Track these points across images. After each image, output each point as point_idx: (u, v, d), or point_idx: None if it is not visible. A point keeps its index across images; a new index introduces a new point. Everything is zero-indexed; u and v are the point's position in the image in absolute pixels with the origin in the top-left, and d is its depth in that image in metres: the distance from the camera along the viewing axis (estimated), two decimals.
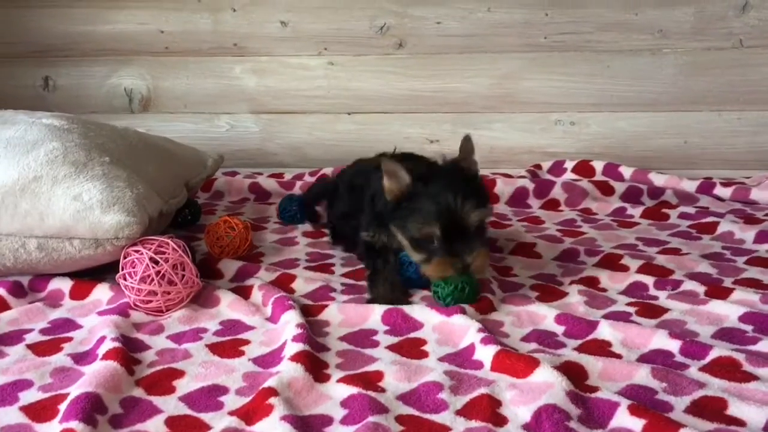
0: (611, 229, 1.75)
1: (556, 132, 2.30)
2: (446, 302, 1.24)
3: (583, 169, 2.14)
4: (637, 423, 0.88)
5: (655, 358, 1.07)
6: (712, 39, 2.20)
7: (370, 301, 1.27)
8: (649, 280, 1.36)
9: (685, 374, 1.01)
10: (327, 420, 0.92)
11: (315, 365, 1.04)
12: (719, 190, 1.97)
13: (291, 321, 1.16)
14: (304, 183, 2.08)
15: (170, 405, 0.96)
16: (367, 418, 0.90)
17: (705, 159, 2.27)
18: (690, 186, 1.99)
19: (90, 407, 0.90)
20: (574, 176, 2.12)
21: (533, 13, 2.23)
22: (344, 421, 0.91)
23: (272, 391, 0.95)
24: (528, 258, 1.54)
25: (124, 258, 1.28)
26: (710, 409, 0.92)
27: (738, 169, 2.22)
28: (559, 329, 1.18)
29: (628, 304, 1.27)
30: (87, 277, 1.37)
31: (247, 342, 1.15)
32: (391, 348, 1.12)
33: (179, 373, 1.04)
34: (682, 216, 1.81)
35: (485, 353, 1.06)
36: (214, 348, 1.12)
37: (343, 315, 1.22)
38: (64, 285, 1.34)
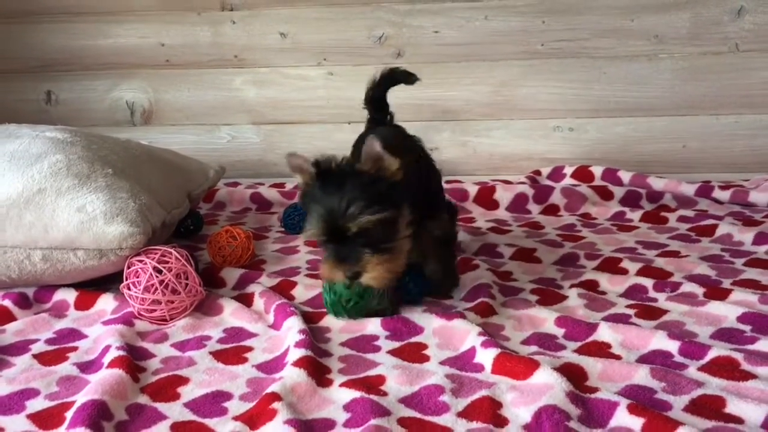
0: (611, 233, 1.76)
1: (555, 138, 2.32)
2: (331, 310, 1.24)
3: (582, 174, 2.15)
4: (637, 422, 0.89)
5: (654, 359, 1.08)
6: (708, 44, 2.22)
7: None
8: (648, 282, 1.37)
9: (684, 374, 1.02)
10: (330, 423, 0.93)
11: (317, 370, 1.05)
12: (718, 193, 1.98)
13: (293, 327, 1.17)
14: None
15: (175, 411, 0.97)
16: (369, 421, 0.91)
17: (703, 163, 2.28)
18: (689, 189, 2.00)
19: (96, 414, 0.92)
20: (573, 181, 2.13)
21: (530, 20, 2.25)
22: (347, 424, 0.92)
23: (276, 396, 0.96)
24: (528, 263, 1.55)
25: (128, 268, 1.29)
26: (709, 407, 0.93)
27: (736, 172, 2.23)
28: (560, 332, 1.19)
29: (628, 306, 1.28)
30: (91, 287, 1.38)
31: (250, 349, 1.16)
32: (393, 352, 1.13)
33: (184, 380, 1.05)
34: (681, 219, 1.82)
35: (486, 356, 1.07)
36: (217, 355, 1.14)
37: (344, 321, 1.24)
38: (69, 296, 1.35)
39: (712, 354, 1.06)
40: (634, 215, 1.88)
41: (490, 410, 0.94)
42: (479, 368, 1.06)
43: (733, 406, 0.92)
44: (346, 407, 0.96)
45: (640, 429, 0.88)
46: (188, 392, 1.02)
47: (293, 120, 2.39)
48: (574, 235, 1.75)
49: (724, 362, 1.04)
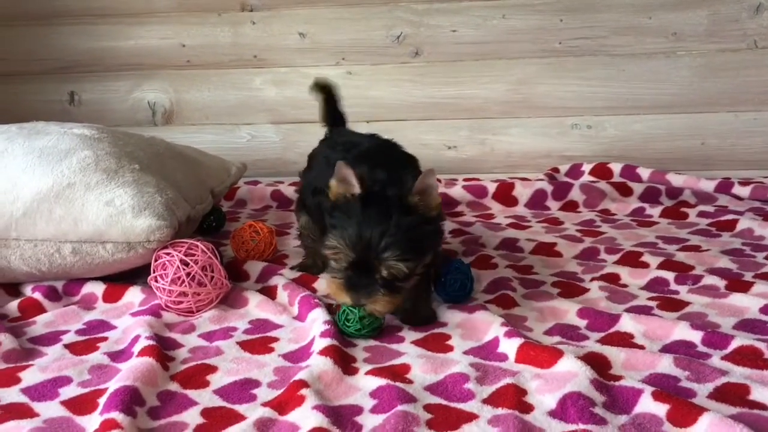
0: (630, 228, 1.77)
1: (573, 136, 2.32)
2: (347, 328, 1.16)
3: (601, 171, 2.16)
4: (661, 408, 0.89)
5: (678, 349, 1.08)
6: (726, 41, 2.22)
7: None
8: (669, 275, 1.38)
9: (708, 363, 1.02)
10: (357, 410, 0.95)
11: (343, 359, 1.06)
12: (738, 189, 1.98)
13: (318, 318, 1.19)
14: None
15: (205, 398, 0.99)
16: (396, 407, 0.92)
17: (722, 160, 2.28)
18: (708, 186, 2.00)
19: (129, 399, 0.93)
20: (591, 178, 2.13)
21: (548, 18, 2.26)
22: (374, 410, 0.94)
23: (303, 384, 0.97)
24: (548, 257, 1.56)
25: (155, 261, 1.32)
26: (733, 394, 0.94)
27: (756, 169, 2.23)
28: (582, 323, 1.20)
29: (650, 299, 1.29)
30: (118, 281, 1.40)
31: (276, 339, 1.18)
32: (416, 343, 1.14)
33: (212, 369, 1.07)
34: (701, 215, 1.83)
35: (509, 346, 1.08)
36: (244, 345, 1.15)
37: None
38: (97, 289, 1.38)
39: (735, 344, 1.07)
40: (654, 211, 1.88)
41: (515, 397, 0.95)
42: (503, 357, 1.07)
43: (758, 394, 0.93)
44: (373, 394, 0.98)
45: (665, 415, 0.89)
46: (217, 380, 1.04)
47: (312, 119, 2.38)
48: (593, 230, 1.75)
49: (747, 351, 1.04)
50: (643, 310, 1.23)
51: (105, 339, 1.19)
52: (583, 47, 2.27)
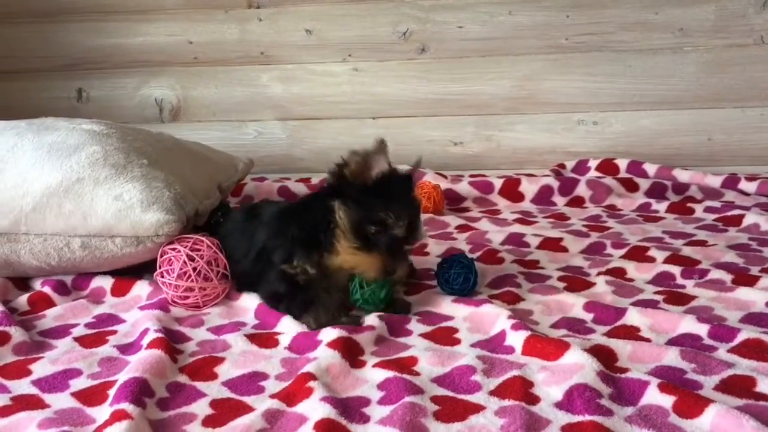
0: (637, 223, 1.77)
1: (579, 132, 2.32)
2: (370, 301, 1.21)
3: (607, 167, 2.16)
4: (668, 400, 0.90)
5: (684, 342, 1.09)
6: (733, 36, 2.21)
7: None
8: (676, 269, 1.38)
9: (714, 356, 1.03)
10: (365, 401, 0.95)
11: (351, 352, 1.07)
12: (744, 185, 1.98)
13: None
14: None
15: (214, 389, 1.00)
16: (403, 399, 0.93)
17: (729, 155, 2.27)
18: (715, 181, 2.00)
19: (139, 390, 0.94)
20: (598, 174, 2.13)
21: (554, 14, 2.26)
22: (381, 401, 0.95)
23: (311, 376, 0.98)
24: (554, 251, 1.56)
25: (161, 256, 1.32)
26: (739, 386, 0.94)
27: (762, 165, 2.22)
28: (588, 316, 1.20)
29: (656, 293, 1.29)
30: (126, 275, 1.41)
31: (281, 333, 1.18)
32: (424, 336, 1.15)
33: (220, 360, 1.08)
34: (708, 210, 1.83)
35: (516, 338, 1.09)
36: (252, 338, 1.16)
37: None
38: (106, 283, 1.39)
39: (741, 337, 1.07)
40: (660, 206, 1.89)
41: (521, 389, 0.95)
42: (510, 350, 1.08)
43: (764, 386, 0.93)
44: (380, 386, 0.98)
45: (671, 406, 0.89)
46: (225, 372, 1.05)
47: (319, 116, 2.42)
48: (599, 225, 1.75)
49: (753, 344, 1.05)
50: (649, 304, 1.23)
51: (114, 332, 1.20)
52: (589, 43, 2.26)
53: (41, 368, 1.07)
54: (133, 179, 1.37)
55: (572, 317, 1.21)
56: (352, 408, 0.93)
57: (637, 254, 1.49)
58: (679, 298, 1.26)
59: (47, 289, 1.36)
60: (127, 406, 0.90)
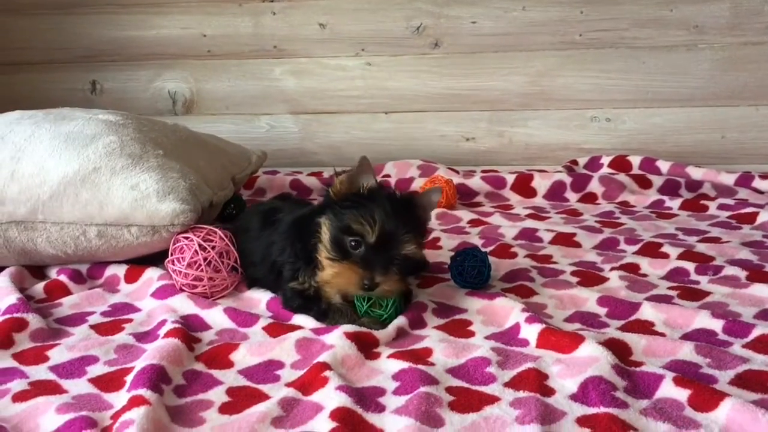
0: (650, 219, 1.77)
1: (592, 128, 2.32)
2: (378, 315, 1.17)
3: (620, 164, 2.15)
4: (683, 393, 0.90)
5: (699, 337, 1.09)
6: (748, 34, 2.21)
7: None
8: (690, 266, 1.38)
9: (729, 351, 1.03)
10: (380, 391, 0.96)
11: (366, 343, 1.07)
12: (758, 183, 1.97)
13: None
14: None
15: (230, 377, 1.01)
16: (418, 389, 0.93)
17: (743, 154, 2.27)
18: (728, 179, 1.99)
19: (156, 377, 0.95)
20: (610, 171, 2.13)
21: (568, 10, 2.25)
22: (397, 391, 0.95)
23: (326, 366, 0.99)
24: (568, 247, 1.56)
25: (174, 244, 1.33)
26: (754, 381, 0.94)
27: None
28: (602, 311, 1.20)
29: (670, 288, 1.29)
30: (140, 264, 1.42)
31: (297, 325, 1.18)
32: (438, 328, 1.16)
33: (235, 348, 1.08)
34: (722, 207, 1.82)
35: (530, 331, 1.09)
36: (267, 329, 1.16)
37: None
38: (120, 271, 1.40)
39: (756, 332, 1.07)
40: (674, 203, 1.88)
41: (536, 381, 0.95)
42: (524, 343, 1.08)
43: None
44: (395, 377, 0.99)
45: (687, 400, 0.89)
46: (241, 360, 1.05)
47: (331, 110, 2.43)
48: (613, 221, 1.75)
49: None
50: (663, 299, 1.23)
51: (130, 320, 1.21)
52: (603, 39, 2.26)
53: (58, 355, 1.08)
54: (149, 169, 1.38)
55: (586, 311, 1.21)
56: (367, 397, 0.94)
57: (651, 250, 1.49)
58: (693, 294, 1.26)
59: (63, 278, 1.37)
60: (144, 392, 0.91)
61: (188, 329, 1.14)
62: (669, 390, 0.91)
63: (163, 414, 0.89)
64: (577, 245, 1.57)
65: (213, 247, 1.32)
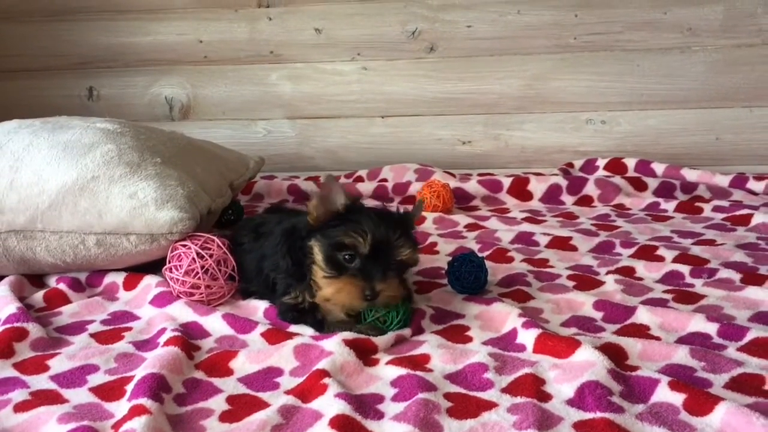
0: (646, 222, 1.78)
1: (587, 131, 2.33)
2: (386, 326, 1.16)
3: (615, 166, 2.17)
4: (678, 397, 0.91)
5: (693, 340, 1.10)
6: (741, 36, 2.22)
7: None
8: (685, 269, 1.39)
9: (723, 354, 1.04)
10: (379, 398, 0.97)
11: (364, 350, 1.08)
12: (752, 184, 1.98)
13: None
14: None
15: (230, 385, 1.02)
16: (417, 395, 0.94)
17: (737, 155, 2.28)
18: (723, 181, 2.01)
19: (156, 386, 0.96)
20: (606, 173, 2.14)
21: (563, 14, 2.27)
22: (395, 398, 0.96)
23: (325, 373, 1.00)
24: (564, 250, 1.57)
25: (171, 251, 1.34)
26: (749, 384, 0.95)
27: None
28: (598, 315, 1.22)
29: (665, 292, 1.30)
30: (138, 271, 1.43)
31: (295, 332, 1.19)
32: (436, 333, 1.16)
33: (234, 356, 1.09)
34: (716, 209, 1.84)
35: (527, 336, 1.10)
36: (265, 336, 1.17)
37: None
38: (118, 278, 1.41)
39: (750, 335, 1.08)
40: (669, 206, 1.89)
41: (533, 386, 0.96)
42: (521, 348, 1.09)
43: None
44: (394, 383, 1.00)
45: (682, 404, 0.90)
46: (240, 368, 1.06)
47: (328, 114, 2.43)
48: (608, 224, 1.76)
49: (763, 343, 1.06)
50: (658, 303, 1.24)
51: (129, 329, 1.22)
52: (597, 42, 2.27)
53: (59, 364, 1.09)
54: (147, 177, 1.38)
55: (582, 316, 1.22)
56: (366, 404, 0.94)
57: (646, 253, 1.50)
58: (688, 297, 1.27)
59: (62, 286, 1.37)
60: (145, 401, 0.92)
61: (188, 337, 1.15)
62: (664, 394, 0.93)
63: (164, 423, 0.90)
64: (573, 249, 1.58)
65: (210, 255, 1.32)
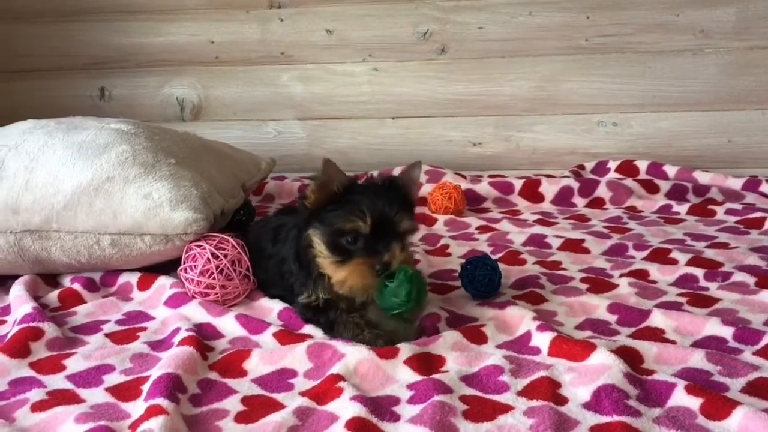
0: (658, 225, 1.77)
1: (599, 133, 2.33)
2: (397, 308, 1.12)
3: (627, 168, 2.16)
4: (695, 402, 0.91)
5: (709, 344, 1.09)
6: (754, 38, 2.21)
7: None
8: (698, 272, 1.38)
9: (740, 358, 1.03)
10: (395, 400, 0.97)
11: (379, 351, 1.07)
12: (765, 187, 1.98)
13: None
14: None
15: (244, 386, 1.02)
16: (432, 398, 0.94)
17: (749, 158, 2.27)
18: (736, 183, 2.00)
19: (172, 386, 0.96)
20: (617, 176, 2.14)
21: (574, 16, 2.26)
22: (411, 400, 0.96)
23: (339, 377, 1.00)
24: (576, 253, 1.57)
25: (186, 252, 1.34)
26: (765, 389, 0.95)
27: None
28: (612, 318, 1.21)
29: (679, 295, 1.30)
30: (151, 271, 1.43)
31: (308, 334, 1.19)
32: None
33: (248, 356, 1.09)
34: (729, 212, 1.83)
35: (542, 339, 1.10)
36: (278, 335, 1.17)
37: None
38: (133, 278, 1.41)
39: (766, 339, 1.07)
40: (681, 208, 1.89)
41: (549, 389, 0.96)
42: (536, 351, 1.09)
43: None
44: (410, 385, 1.00)
45: (699, 408, 0.90)
46: (254, 369, 1.06)
47: (338, 115, 2.44)
48: (621, 227, 1.76)
49: None
50: (673, 306, 1.24)
51: (144, 329, 1.23)
52: (609, 44, 2.27)
53: (75, 364, 1.09)
54: (161, 178, 1.39)
55: (596, 318, 1.22)
56: (382, 407, 0.94)
57: (660, 256, 1.50)
58: (702, 301, 1.26)
59: (77, 286, 1.38)
60: (162, 402, 0.92)
61: (201, 337, 1.15)
62: (681, 398, 0.92)
63: (180, 423, 0.90)
64: (586, 251, 1.58)
65: (225, 255, 1.33)
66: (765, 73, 2.22)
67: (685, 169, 2.09)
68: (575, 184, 2.02)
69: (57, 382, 1.04)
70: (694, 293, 1.30)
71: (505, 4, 2.29)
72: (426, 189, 2.04)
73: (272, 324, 1.22)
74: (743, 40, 2.21)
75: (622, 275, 1.41)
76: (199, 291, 1.30)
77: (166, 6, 2.42)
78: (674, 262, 1.47)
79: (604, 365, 1.00)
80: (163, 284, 1.37)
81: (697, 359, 1.03)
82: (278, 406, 0.97)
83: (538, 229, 1.75)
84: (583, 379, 0.98)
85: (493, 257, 1.41)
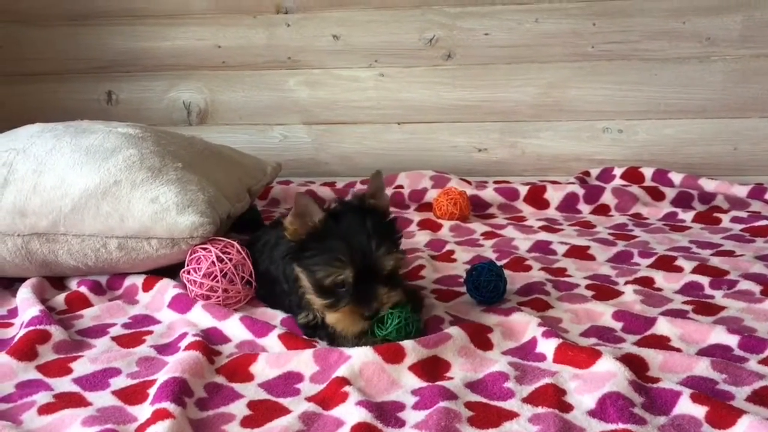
0: (663, 232, 1.77)
1: (604, 140, 2.33)
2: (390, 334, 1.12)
3: (632, 175, 2.16)
4: (700, 410, 0.91)
5: (714, 352, 1.09)
6: (760, 46, 2.21)
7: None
8: (704, 280, 1.38)
9: (745, 366, 1.03)
10: (399, 406, 0.97)
11: (385, 355, 1.08)
12: None
13: None
14: (357, 191, 2.13)
15: (251, 391, 1.03)
16: (438, 404, 0.95)
17: (755, 165, 2.27)
18: (741, 191, 2.00)
19: (179, 390, 0.97)
20: (623, 182, 2.14)
21: (581, 23, 2.26)
22: (416, 406, 0.96)
23: (345, 381, 1.00)
24: (582, 260, 1.57)
25: (191, 254, 1.35)
26: None
27: None
28: (618, 325, 1.21)
29: (685, 303, 1.30)
30: (156, 274, 1.44)
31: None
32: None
33: (254, 360, 1.09)
34: (735, 220, 1.83)
35: (547, 346, 1.10)
36: (283, 339, 1.17)
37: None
38: (138, 280, 1.42)
39: None
40: (687, 216, 1.89)
41: (554, 397, 0.96)
42: (541, 358, 1.09)
43: None
44: (415, 391, 1.00)
45: (704, 417, 0.90)
46: (260, 373, 1.07)
47: (344, 120, 2.44)
48: (626, 234, 1.76)
49: None
50: (678, 314, 1.24)
51: (150, 333, 1.23)
52: (615, 51, 2.27)
53: (81, 367, 1.10)
54: (168, 182, 1.40)
55: (602, 326, 1.22)
56: (387, 412, 0.95)
57: (665, 264, 1.50)
58: (708, 309, 1.26)
59: (83, 289, 1.39)
60: (168, 405, 0.93)
61: (208, 342, 1.16)
62: (686, 407, 0.92)
63: (186, 427, 0.91)
64: (591, 258, 1.58)
65: (230, 260, 1.33)
66: None
67: (691, 177, 2.09)
68: (580, 191, 2.02)
69: (64, 385, 1.05)
70: (700, 301, 1.30)
71: (512, 10, 2.29)
72: (431, 194, 2.05)
73: (277, 327, 1.22)
74: (749, 48, 2.21)
75: (627, 282, 1.41)
76: (201, 293, 1.31)
77: (173, 11, 2.43)
78: (680, 269, 1.46)
79: (609, 372, 1.00)
80: (166, 285, 1.38)
81: (703, 367, 1.03)
82: (284, 410, 0.97)
83: (543, 236, 1.75)
84: (588, 387, 0.98)
85: (498, 263, 1.41)
